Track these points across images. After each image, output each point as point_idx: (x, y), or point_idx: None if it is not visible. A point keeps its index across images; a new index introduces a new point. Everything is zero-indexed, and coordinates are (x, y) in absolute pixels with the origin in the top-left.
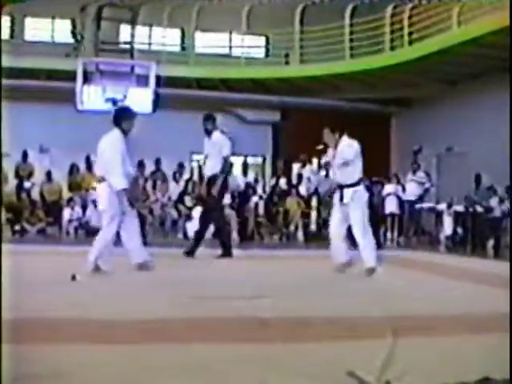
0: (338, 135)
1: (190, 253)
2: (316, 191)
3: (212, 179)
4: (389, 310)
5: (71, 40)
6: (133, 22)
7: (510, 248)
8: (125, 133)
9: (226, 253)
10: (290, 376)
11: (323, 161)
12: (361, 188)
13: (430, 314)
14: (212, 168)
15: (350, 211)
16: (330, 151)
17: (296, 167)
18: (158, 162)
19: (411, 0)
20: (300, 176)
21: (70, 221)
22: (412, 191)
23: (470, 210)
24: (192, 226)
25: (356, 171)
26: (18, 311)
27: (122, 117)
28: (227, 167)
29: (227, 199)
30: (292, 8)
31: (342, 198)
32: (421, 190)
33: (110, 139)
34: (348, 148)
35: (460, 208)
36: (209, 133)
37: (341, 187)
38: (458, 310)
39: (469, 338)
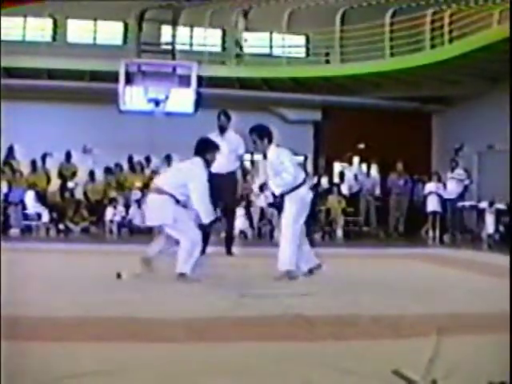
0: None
1: (228, 251)
2: (360, 190)
3: (228, 177)
4: (432, 308)
5: (113, 42)
6: (174, 23)
7: (510, 246)
8: (208, 164)
9: (229, 251)
10: (335, 374)
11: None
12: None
13: (473, 312)
14: (225, 166)
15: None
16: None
17: (338, 166)
18: None
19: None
20: (342, 174)
21: (111, 220)
22: (452, 189)
23: None
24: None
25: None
26: (63, 310)
27: (206, 149)
28: (243, 167)
29: (269, 198)
30: (333, 8)
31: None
32: (461, 187)
33: (198, 169)
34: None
35: (502, 206)
36: (223, 130)
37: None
38: (502, 307)
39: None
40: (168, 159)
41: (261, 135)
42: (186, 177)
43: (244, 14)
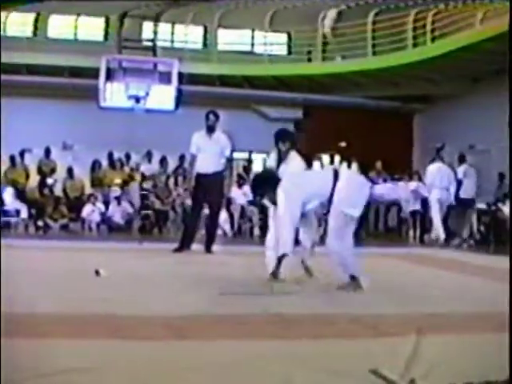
0: None
1: (208, 249)
2: None
3: (214, 177)
4: (411, 308)
5: (94, 38)
6: (156, 20)
7: (510, 245)
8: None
9: (209, 249)
10: (313, 373)
11: None
12: None
13: (452, 312)
14: (212, 166)
15: None
16: None
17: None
18: (182, 158)
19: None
20: None
21: (90, 217)
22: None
23: (493, 207)
24: None
25: None
26: (40, 306)
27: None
28: (229, 168)
29: (248, 196)
30: (316, 8)
31: None
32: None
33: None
34: None
35: (482, 206)
36: (211, 130)
37: None
38: (482, 307)
39: (494, 337)
40: (149, 156)
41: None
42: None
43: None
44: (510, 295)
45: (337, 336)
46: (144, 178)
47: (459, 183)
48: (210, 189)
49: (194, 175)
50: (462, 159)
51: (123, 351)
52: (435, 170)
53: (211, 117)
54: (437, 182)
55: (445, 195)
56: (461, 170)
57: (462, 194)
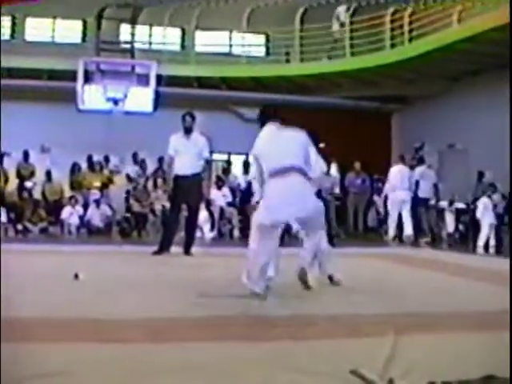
0: None
1: (187, 251)
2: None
3: (193, 179)
4: (390, 307)
5: (72, 40)
6: (133, 22)
7: (509, 246)
8: None
9: (187, 251)
10: (293, 374)
11: None
12: None
13: (432, 311)
14: (190, 168)
15: None
16: None
17: None
18: (160, 160)
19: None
20: None
21: (70, 219)
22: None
23: (472, 206)
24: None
25: None
26: (17, 310)
27: None
28: (208, 169)
29: (228, 198)
30: (293, 7)
31: None
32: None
33: None
34: None
35: (462, 205)
36: (188, 132)
37: None
38: (460, 307)
39: (472, 336)
40: (135, 157)
41: None
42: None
43: None
44: (511, 295)
45: (316, 337)
46: (130, 180)
47: (416, 184)
48: (188, 190)
49: (172, 177)
50: (420, 161)
51: (100, 354)
52: (396, 171)
53: (188, 118)
54: (398, 183)
55: (404, 195)
56: (418, 171)
57: (420, 194)
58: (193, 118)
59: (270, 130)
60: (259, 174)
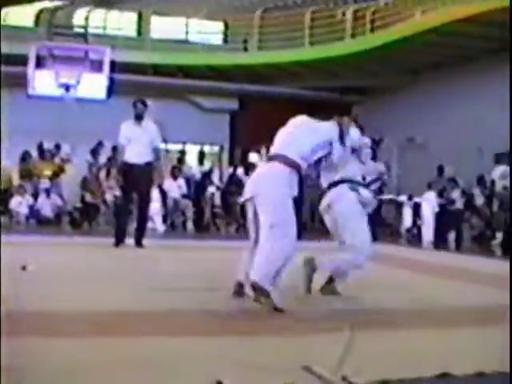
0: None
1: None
2: None
3: (144, 167)
4: (345, 304)
5: (25, 24)
6: (88, 5)
7: (510, 246)
8: None
9: (139, 243)
10: (244, 370)
11: None
12: None
13: (389, 307)
14: (142, 156)
15: None
16: None
17: (253, 156)
18: (114, 149)
19: None
20: (254, 166)
21: (18, 209)
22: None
23: (443, 201)
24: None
25: None
26: None
27: None
28: (159, 158)
29: (183, 189)
30: None
31: None
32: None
33: None
34: None
35: (420, 200)
36: (140, 119)
37: None
38: (417, 303)
39: (427, 333)
40: (99, 146)
41: None
42: None
43: None
44: (511, 294)
45: (268, 332)
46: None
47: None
48: (139, 179)
49: (121, 165)
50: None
51: (46, 348)
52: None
53: (139, 105)
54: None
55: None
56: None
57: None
58: (144, 104)
59: (298, 119)
60: None
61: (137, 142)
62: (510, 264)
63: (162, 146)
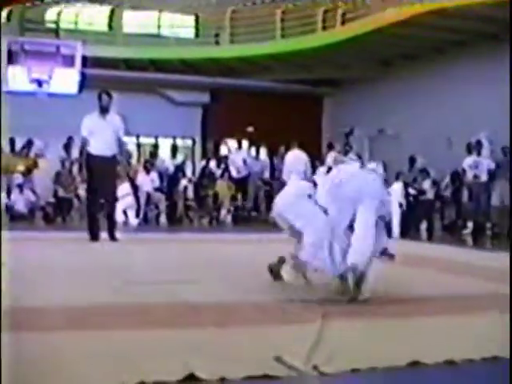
0: None
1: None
2: (249, 174)
3: (110, 160)
4: (317, 294)
5: None
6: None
7: (509, 243)
8: None
9: (112, 236)
10: (216, 361)
11: None
12: None
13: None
14: (107, 148)
15: None
16: None
17: (224, 149)
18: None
19: None
20: (226, 158)
21: None
22: None
23: (414, 192)
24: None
25: None
26: None
27: None
28: (122, 150)
29: (156, 183)
30: None
31: None
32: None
33: None
34: None
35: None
36: (105, 111)
37: None
38: (389, 292)
39: (400, 321)
40: (71, 140)
41: None
42: None
43: None
44: (511, 294)
45: (240, 323)
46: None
47: (329, 169)
48: (104, 172)
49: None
50: (330, 146)
51: (19, 342)
52: (292, 157)
53: (104, 97)
54: (294, 169)
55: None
56: (329, 156)
57: None
58: (110, 96)
59: None
60: None
61: (101, 135)
62: (510, 257)
63: (134, 140)
